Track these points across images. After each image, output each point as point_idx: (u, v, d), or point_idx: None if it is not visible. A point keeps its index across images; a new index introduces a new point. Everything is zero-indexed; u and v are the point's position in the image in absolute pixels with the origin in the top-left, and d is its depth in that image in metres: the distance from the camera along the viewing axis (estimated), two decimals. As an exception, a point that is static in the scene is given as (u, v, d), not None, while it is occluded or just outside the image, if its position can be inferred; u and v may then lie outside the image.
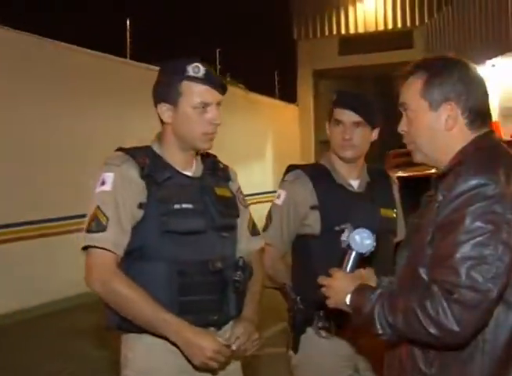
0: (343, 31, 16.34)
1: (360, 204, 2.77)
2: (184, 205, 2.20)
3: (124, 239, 2.15)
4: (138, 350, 2.20)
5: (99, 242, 2.12)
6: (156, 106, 2.26)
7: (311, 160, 16.68)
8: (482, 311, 1.58)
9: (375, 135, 2.84)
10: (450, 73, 1.80)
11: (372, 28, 16.02)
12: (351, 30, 16.28)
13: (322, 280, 1.96)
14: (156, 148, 2.28)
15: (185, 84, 2.18)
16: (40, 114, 8.02)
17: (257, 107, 13.96)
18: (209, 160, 2.40)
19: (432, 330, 1.58)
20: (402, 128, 1.89)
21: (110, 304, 2.14)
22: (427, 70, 1.82)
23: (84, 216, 2.20)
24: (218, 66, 12.86)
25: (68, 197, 8.02)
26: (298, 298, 2.76)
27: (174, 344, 2.13)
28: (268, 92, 15.45)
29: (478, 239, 1.59)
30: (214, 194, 2.31)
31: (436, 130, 1.81)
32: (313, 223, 2.76)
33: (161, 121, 2.28)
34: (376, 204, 2.84)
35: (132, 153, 2.24)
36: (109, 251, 2.12)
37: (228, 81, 13.07)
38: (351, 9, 16.16)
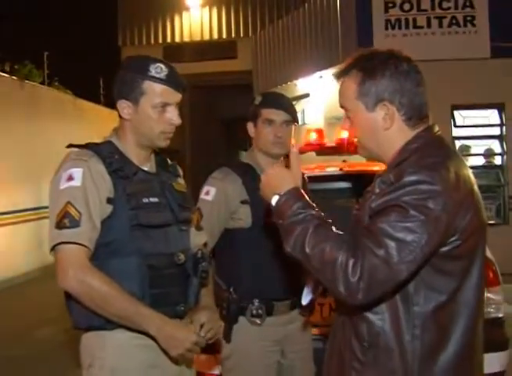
0: (168, 39, 16.46)
1: None
2: (151, 199, 2.23)
3: (95, 234, 2.13)
4: (108, 348, 2.18)
5: (74, 238, 2.08)
6: (116, 102, 2.26)
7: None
8: (386, 287, 1.67)
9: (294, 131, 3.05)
10: (382, 72, 1.82)
11: (197, 38, 16.32)
12: (177, 39, 16.44)
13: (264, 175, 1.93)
14: (115, 143, 2.28)
15: (147, 84, 2.20)
16: None
17: (83, 114, 13.64)
18: (159, 157, 2.44)
19: (340, 288, 1.65)
20: (345, 126, 1.96)
21: (86, 301, 2.09)
22: (359, 70, 1.85)
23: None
24: (46, 71, 12.36)
25: None
26: (232, 288, 2.87)
27: (150, 337, 2.13)
28: (94, 98, 15.15)
29: (408, 224, 1.65)
30: (173, 189, 2.36)
31: (375, 130, 1.86)
32: (244, 217, 2.89)
33: (120, 116, 2.28)
34: None
35: (95, 149, 2.22)
36: (83, 246, 2.09)
37: (55, 86, 12.65)
38: (177, 18, 16.34)
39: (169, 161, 2.49)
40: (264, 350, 2.93)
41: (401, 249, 1.65)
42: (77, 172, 2.13)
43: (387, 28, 9.38)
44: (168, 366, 2.22)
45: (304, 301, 2.11)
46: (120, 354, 2.17)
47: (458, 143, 9.93)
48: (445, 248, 1.73)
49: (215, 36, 16.30)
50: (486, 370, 3.42)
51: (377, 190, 1.80)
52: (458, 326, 1.77)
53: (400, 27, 9.40)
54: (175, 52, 16.31)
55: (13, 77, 10.74)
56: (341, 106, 1.94)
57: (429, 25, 9.37)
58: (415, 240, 1.65)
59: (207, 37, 16.32)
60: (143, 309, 2.09)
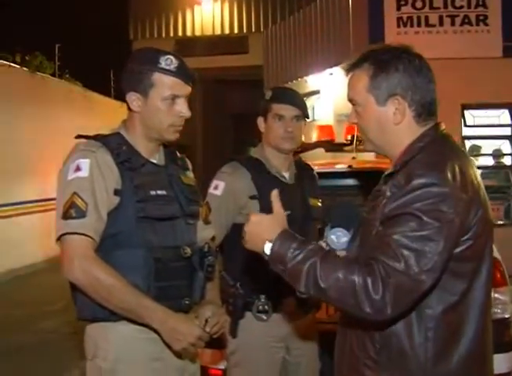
0: (180, 33, 16.42)
1: (293, 194, 2.94)
2: (159, 192, 2.22)
3: (101, 226, 2.13)
4: (112, 339, 2.18)
5: (79, 228, 2.08)
6: (125, 94, 2.25)
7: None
8: (412, 299, 1.66)
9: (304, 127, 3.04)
10: (396, 66, 1.80)
11: (209, 32, 16.28)
12: (188, 33, 16.41)
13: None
14: (124, 135, 2.27)
15: (157, 76, 2.19)
16: None
17: (93, 106, 13.65)
18: (168, 150, 2.43)
19: (366, 307, 1.62)
20: (352, 120, 1.93)
21: (91, 292, 2.09)
22: (372, 64, 1.83)
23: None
24: (58, 63, 12.38)
25: None
26: (238, 283, 2.86)
27: (153, 330, 2.13)
28: (105, 90, 15.16)
29: (424, 233, 1.64)
30: (181, 182, 2.35)
31: (385, 124, 1.84)
32: (253, 212, 2.87)
33: (129, 108, 2.27)
34: (305, 194, 3.03)
35: (103, 140, 2.21)
36: (89, 237, 2.09)
37: (66, 78, 12.67)
38: (188, 12, 16.29)
39: (178, 154, 2.48)
40: (269, 346, 2.93)
41: (419, 259, 1.63)
42: (85, 163, 2.13)
43: (399, 26, 9.32)
44: (172, 359, 2.22)
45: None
46: (123, 346, 2.17)
47: (468, 143, 9.87)
48: (458, 249, 1.72)
49: (227, 31, 16.25)
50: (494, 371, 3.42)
51: (389, 194, 1.76)
52: (469, 326, 1.77)
53: (412, 25, 9.33)
54: (187, 46, 16.26)
55: (24, 69, 10.76)
56: (349, 99, 1.92)
57: (441, 23, 9.31)
58: (433, 247, 1.64)
59: (218, 31, 16.27)
60: (147, 301, 2.09)
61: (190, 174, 2.48)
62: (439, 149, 1.80)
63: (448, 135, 1.91)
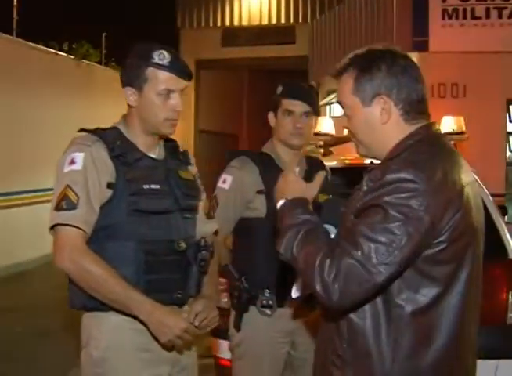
0: (227, 23, 16.42)
1: None
2: (152, 186, 2.25)
3: (93, 218, 2.18)
4: (103, 328, 2.23)
5: (69, 220, 2.13)
6: (123, 89, 2.30)
7: (191, 147, 16.77)
8: (363, 289, 1.63)
9: (315, 123, 3.02)
10: (378, 66, 1.80)
11: (256, 22, 16.22)
12: (235, 23, 16.41)
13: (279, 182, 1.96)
14: (122, 130, 2.32)
15: (151, 71, 2.23)
16: None
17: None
18: (170, 145, 2.46)
19: (317, 286, 1.64)
20: (346, 125, 1.94)
21: (80, 283, 2.15)
22: (355, 67, 1.84)
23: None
24: (104, 51, 12.58)
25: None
26: (244, 277, 2.88)
27: (140, 322, 2.17)
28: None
29: (387, 225, 1.63)
30: (178, 176, 2.38)
31: (372, 125, 1.84)
32: (260, 207, 2.89)
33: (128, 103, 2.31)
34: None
35: (100, 134, 2.26)
36: (79, 229, 2.14)
37: (112, 66, 12.85)
38: (236, 2, 16.26)
39: (181, 149, 2.50)
40: (273, 341, 2.93)
41: (378, 251, 1.62)
42: (79, 157, 2.18)
43: (443, 18, 9.14)
44: (161, 351, 2.25)
45: (294, 295, 2.10)
46: (114, 335, 2.22)
47: (513, 139, 9.65)
48: (429, 251, 1.69)
49: (274, 20, 16.16)
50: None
51: (365, 188, 1.79)
52: (440, 332, 1.73)
53: (457, 17, 9.13)
54: (233, 36, 16.32)
55: (70, 57, 10.97)
56: (339, 103, 1.93)
57: (488, 16, 9.08)
58: (394, 241, 1.62)
59: (265, 21, 16.18)
60: (134, 293, 2.12)
61: (193, 169, 2.50)
62: (426, 148, 1.77)
63: (440, 135, 1.88)
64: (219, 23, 16.44)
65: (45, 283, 7.94)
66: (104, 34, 12.77)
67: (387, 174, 1.68)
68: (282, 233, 1.79)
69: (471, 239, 1.77)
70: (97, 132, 2.26)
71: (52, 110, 10.15)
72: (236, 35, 16.32)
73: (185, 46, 16.69)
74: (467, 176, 1.80)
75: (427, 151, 1.76)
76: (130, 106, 2.31)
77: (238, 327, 2.93)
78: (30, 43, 9.90)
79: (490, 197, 3.90)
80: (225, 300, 3.24)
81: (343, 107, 1.91)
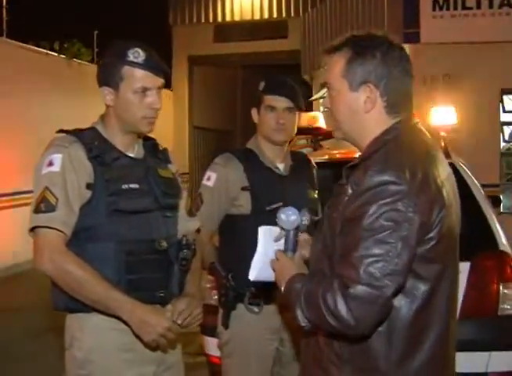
0: (219, 19, 16.39)
1: (287, 186, 2.92)
2: (131, 185, 2.24)
3: (73, 219, 2.16)
4: (86, 330, 2.22)
5: (48, 222, 2.12)
6: (100, 88, 2.28)
7: (185, 144, 16.76)
8: (378, 306, 1.60)
9: (298, 118, 3.00)
10: (373, 53, 1.76)
11: (248, 17, 16.19)
12: (228, 18, 16.37)
13: (272, 263, 1.96)
14: (100, 129, 2.30)
15: (126, 69, 2.21)
16: None
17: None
18: (149, 143, 2.44)
19: (332, 322, 1.61)
20: (326, 105, 1.90)
21: (61, 284, 2.14)
22: (350, 48, 1.79)
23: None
24: (96, 50, 12.52)
25: None
26: (230, 275, 2.86)
27: (123, 322, 2.16)
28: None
29: (378, 236, 1.59)
30: (157, 175, 2.36)
31: (355, 111, 1.80)
32: (245, 203, 2.87)
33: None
34: (301, 186, 2.99)
35: (78, 135, 2.25)
36: (58, 231, 2.12)
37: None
38: (228, -3, 16.27)
39: (160, 147, 2.48)
40: (262, 338, 2.92)
41: (377, 264, 1.59)
42: (57, 158, 2.17)
43: (434, 9, 9.13)
44: (145, 351, 2.24)
45: (251, 277, 2.08)
46: (96, 336, 2.21)
47: (507, 129, 9.64)
48: (421, 248, 1.67)
49: (266, 15, 16.13)
50: (503, 369, 3.34)
51: (350, 191, 1.73)
52: (432, 331, 1.73)
53: (448, 8, 9.12)
54: (226, 31, 16.28)
55: (61, 56, 10.93)
56: (326, 83, 1.88)
57: (479, 6, 9.07)
58: (390, 250, 1.60)
59: (257, 16, 16.15)
60: (115, 293, 2.11)
61: (172, 167, 2.49)
62: (404, 144, 1.74)
63: (419, 129, 1.85)
64: (211, 19, 16.42)
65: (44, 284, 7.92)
66: (96, 33, 12.71)
67: (370, 177, 1.65)
68: (294, 313, 1.74)
69: (451, 240, 1.77)
70: (75, 133, 2.25)
71: (44, 109, 10.11)
72: (228, 31, 16.29)
73: (178, 43, 16.67)
74: (445, 170, 1.79)
75: (404, 148, 1.73)
76: (107, 106, 2.29)
77: (226, 325, 2.92)
78: (21, 43, 9.86)
79: (481, 190, 3.87)
80: (214, 297, 3.23)
81: (328, 88, 1.86)
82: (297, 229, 1.97)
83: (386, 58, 1.77)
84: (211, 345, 3.54)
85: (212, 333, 3.37)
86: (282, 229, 1.98)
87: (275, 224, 2.01)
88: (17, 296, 7.63)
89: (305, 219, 2.00)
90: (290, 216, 1.95)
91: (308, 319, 1.70)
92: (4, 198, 9.22)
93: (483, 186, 4.10)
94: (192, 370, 4.69)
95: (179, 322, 2.22)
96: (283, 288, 1.84)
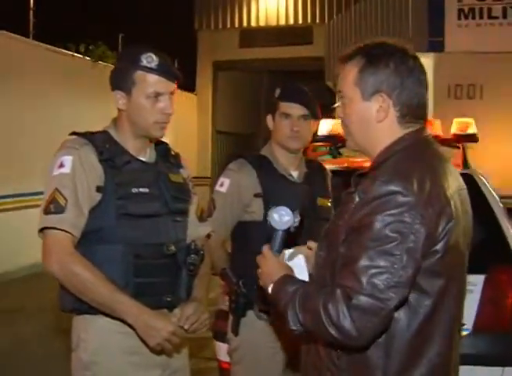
0: (244, 24, 16.40)
1: (300, 194, 2.90)
2: (141, 189, 2.25)
3: (82, 221, 2.17)
4: (91, 331, 2.23)
5: (57, 224, 2.13)
6: (112, 92, 2.30)
7: (208, 148, 16.81)
8: (381, 318, 1.58)
9: (317, 126, 2.99)
10: (386, 63, 1.74)
11: (273, 22, 16.18)
12: (253, 24, 16.38)
13: (257, 259, 1.95)
14: (112, 133, 2.31)
15: (139, 74, 2.23)
16: None
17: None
18: (161, 147, 2.45)
19: (333, 332, 1.58)
20: (339, 114, 1.87)
21: (68, 286, 2.15)
22: (363, 57, 1.77)
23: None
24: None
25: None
26: (241, 281, 2.85)
27: (129, 325, 2.16)
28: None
29: (384, 247, 1.58)
30: (168, 180, 2.37)
31: (367, 120, 1.78)
32: (257, 210, 2.87)
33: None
34: (313, 194, 2.98)
35: (90, 137, 2.26)
36: (67, 232, 2.13)
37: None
38: (253, 2, 16.22)
39: (173, 152, 2.48)
40: (272, 345, 2.90)
41: (382, 276, 1.57)
42: (68, 160, 2.18)
43: (459, 18, 9.06)
44: (151, 355, 2.24)
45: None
46: (102, 338, 2.22)
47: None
48: (426, 261, 1.64)
49: (291, 21, 16.11)
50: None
51: (357, 199, 1.71)
52: (432, 346, 1.70)
53: (474, 17, 9.05)
54: (251, 37, 16.30)
55: (87, 58, 11.03)
56: (338, 91, 1.86)
57: (505, 15, 8.98)
58: (395, 262, 1.58)
59: (283, 22, 16.12)
60: (122, 297, 2.12)
61: (183, 172, 2.49)
62: (414, 155, 1.72)
63: (430, 140, 1.82)
64: (237, 25, 16.42)
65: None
66: (121, 36, 12.81)
67: (376, 186, 1.63)
68: (284, 313, 1.72)
69: (461, 248, 1.74)
70: (86, 136, 2.27)
71: (69, 111, 10.20)
72: (253, 36, 16.30)
73: (203, 48, 16.73)
74: (455, 182, 1.76)
75: (414, 159, 1.71)
76: (120, 110, 2.30)
77: (236, 332, 2.91)
78: (47, 45, 9.97)
79: (499, 201, 3.82)
80: (226, 303, 3.22)
81: (341, 96, 1.85)
82: (288, 229, 1.95)
83: (399, 68, 1.75)
84: (222, 351, 3.53)
85: (223, 338, 3.36)
86: (271, 227, 1.95)
87: None
88: (36, 296, 7.69)
89: (296, 221, 1.97)
90: (283, 216, 1.93)
91: (300, 324, 1.67)
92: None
93: (503, 197, 4.04)
94: (203, 374, 4.72)
95: (186, 327, 2.22)
96: (270, 288, 1.82)
